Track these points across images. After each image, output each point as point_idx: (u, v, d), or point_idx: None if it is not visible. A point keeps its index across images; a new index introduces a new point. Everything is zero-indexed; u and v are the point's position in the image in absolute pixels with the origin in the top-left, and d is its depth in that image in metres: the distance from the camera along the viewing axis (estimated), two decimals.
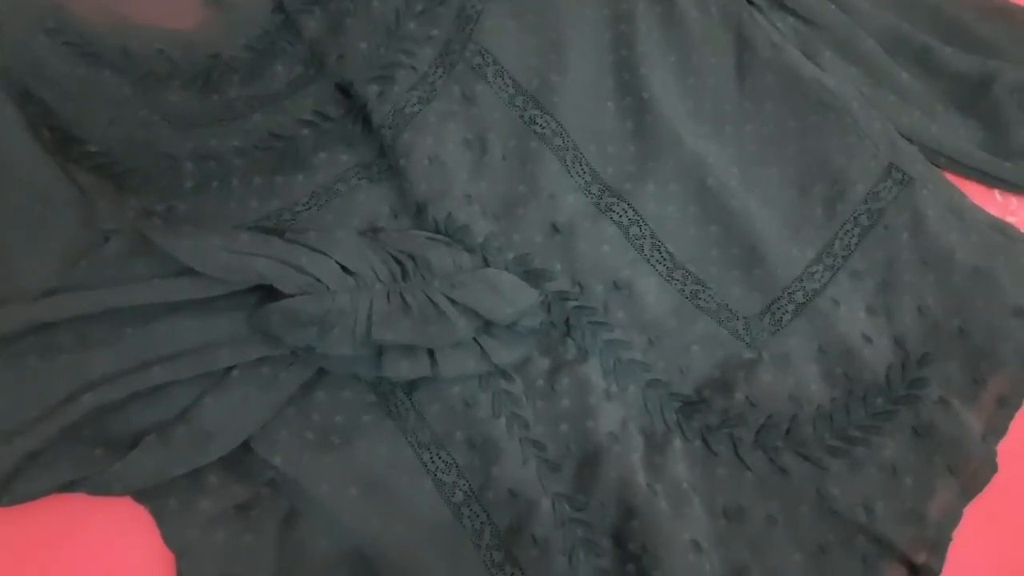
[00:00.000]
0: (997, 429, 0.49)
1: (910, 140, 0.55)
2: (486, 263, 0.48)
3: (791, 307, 0.50)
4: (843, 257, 0.52)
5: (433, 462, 0.45)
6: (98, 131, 0.49)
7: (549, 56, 0.53)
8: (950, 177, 0.55)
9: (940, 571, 0.45)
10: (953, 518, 0.47)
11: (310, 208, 0.50)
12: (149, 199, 0.49)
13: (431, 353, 0.44)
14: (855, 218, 0.52)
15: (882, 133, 0.54)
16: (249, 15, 0.54)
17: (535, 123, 0.52)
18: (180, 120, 0.51)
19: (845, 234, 0.52)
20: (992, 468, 0.48)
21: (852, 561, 0.45)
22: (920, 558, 0.45)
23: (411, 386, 0.46)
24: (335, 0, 0.53)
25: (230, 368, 0.43)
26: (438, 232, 0.49)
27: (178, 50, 0.53)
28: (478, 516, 0.44)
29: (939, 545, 0.46)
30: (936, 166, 0.55)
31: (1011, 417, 0.49)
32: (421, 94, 0.52)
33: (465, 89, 0.52)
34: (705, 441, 0.47)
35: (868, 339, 0.50)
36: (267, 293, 0.44)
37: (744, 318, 0.50)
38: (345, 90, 0.52)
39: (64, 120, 0.49)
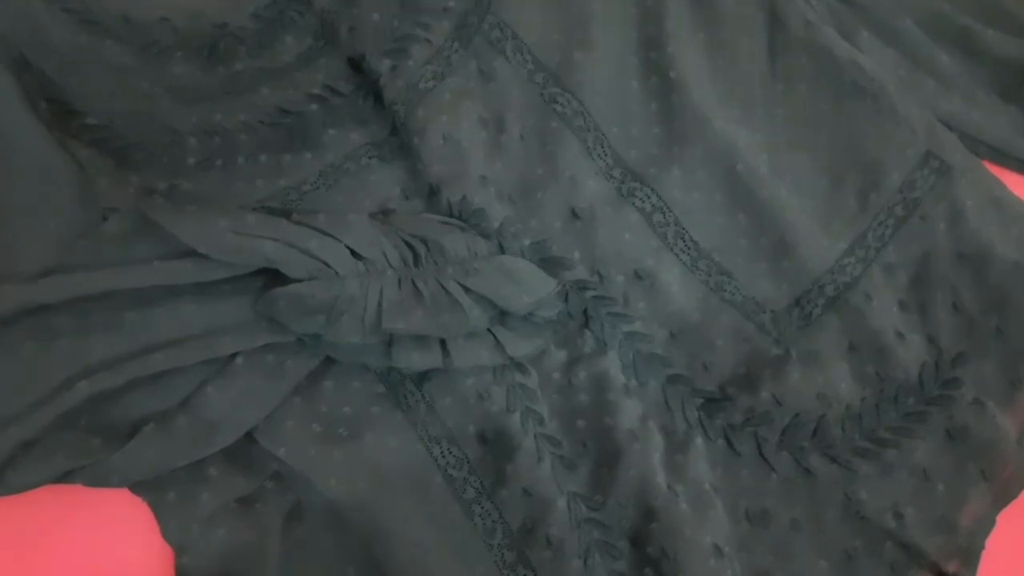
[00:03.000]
0: None
1: (949, 127, 0.53)
2: (502, 249, 0.46)
3: (821, 301, 0.48)
4: (876, 249, 0.49)
5: (444, 457, 0.43)
6: (98, 103, 0.47)
7: (572, 32, 0.51)
8: (990, 167, 0.53)
9: None
10: (986, 526, 0.45)
11: (318, 188, 0.47)
12: (151, 176, 0.46)
13: (443, 343, 0.42)
14: (890, 208, 0.50)
15: (920, 119, 0.51)
16: None
17: (555, 102, 0.49)
18: (184, 93, 0.49)
19: (879, 225, 0.50)
20: None
21: (880, 569, 0.44)
22: (951, 567, 0.43)
23: (422, 377, 0.44)
24: None
25: (234, 355, 0.41)
26: (452, 215, 0.47)
27: (182, 18, 0.50)
28: (490, 514, 0.42)
29: (971, 554, 0.44)
30: (976, 155, 0.53)
31: None
32: (436, 69, 0.49)
33: (482, 64, 0.50)
34: (728, 440, 0.45)
35: (901, 336, 0.48)
36: (273, 277, 0.42)
37: (772, 312, 0.48)
38: (357, 64, 0.50)
39: (63, 91, 0.47)
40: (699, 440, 0.45)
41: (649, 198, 0.48)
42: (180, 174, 0.47)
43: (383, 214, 0.47)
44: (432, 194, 0.47)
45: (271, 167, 0.47)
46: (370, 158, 0.48)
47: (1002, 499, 0.45)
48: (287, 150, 0.48)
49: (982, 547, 0.44)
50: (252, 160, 0.48)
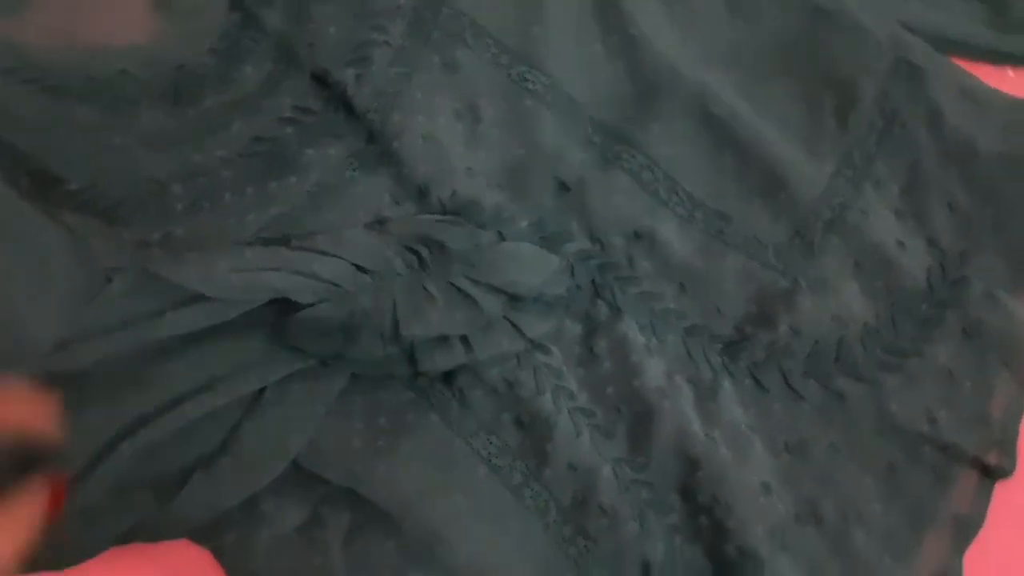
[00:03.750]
0: None
1: (912, 32, 0.53)
2: (501, 236, 0.46)
3: (820, 226, 0.48)
4: (864, 166, 0.50)
5: (485, 448, 0.44)
6: (77, 167, 0.47)
7: (526, 7, 0.51)
8: (959, 63, 0.53)
9: (1013, 470, 0.44)
10: (1016, 413, 0.46)
11: (310, 210, 0.47)
12: (143, 229, 0.46)
13: (464, 339, 0.43)
14: (870, 123, 0.50)
15: (883, 28, 0.52)
16: (206, 18, 0.51)
17: (525, 80, 0.49)
18: (158, 141, 0.48)
19: (862, 142, 0.50)
20: None
21: (923, 475, 0.45)
22: (991, 459, 0.45)
23: (449, 376, 0.44)
24: None
25: (262, 390, 0.42)
26: (445, 212, 0.47)
27: (141, 67, 0.50)
28: (540, 495, 0.43)
29: (1007, 443, 0.45)
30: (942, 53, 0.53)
31: None
32: (401, 70, 0.49)
33: (445, 57, 0.50)
34: (755, 378, 0.46)
35: (902, 245, 0.48)
36: (285, 307, 0.42)
37: (774, 246, 0.48)
38: (322, 79, 0.49)
39: (39, 161, 0.46)
40: (727, 384, 0.46)
41: (635, 157, 0.49)
42: (171, 222, 0.47)
43: (379, 223, 0.47)
44: (422, 195, 0.47)
45: (259, 198, 0.47)
46: (353, 170, 0.48)
47: None
48: (271, 178, 0.48)
49: (1017, 434, 0.45)
50: (239, 194, 0.48)
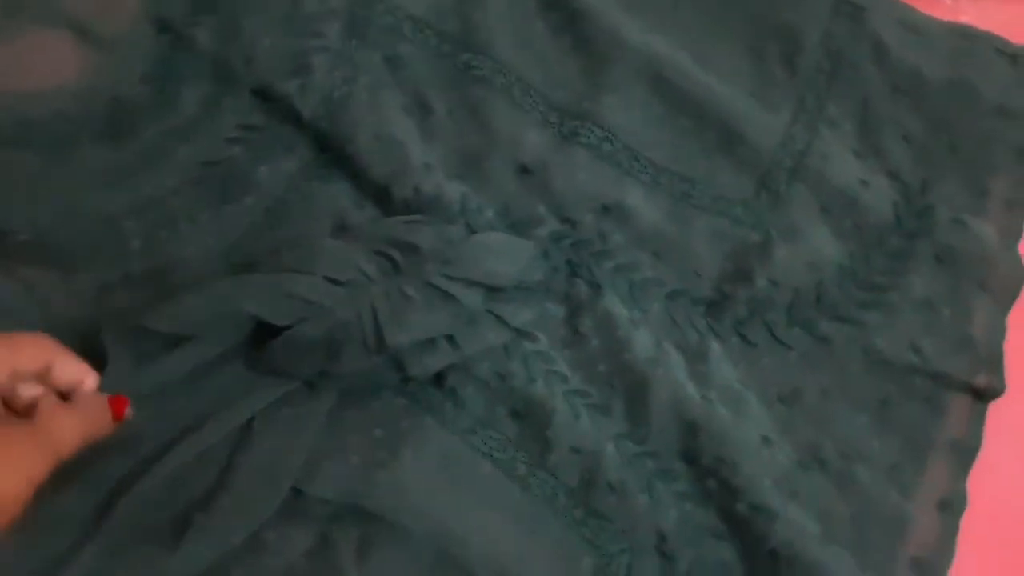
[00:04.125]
0: (1012, 231, 0.49)
1: None
2: (470, 229, 0.45)
3: (783, 176, 0.48)
4: (817, 109, 0.50)
5: (485, 444, 0.43)
6: (22, 216, 0.45)
7: None
8: None
9: (1003, 389, 0.45)
10: (998, 333, 0.46)
11: (270, 228, 0.46)
12: (101, 272, 0.45)
13: (449, 338, 0.42)
14: (817, 66, 0.51)
15: None
16: (133, 46, 0.49)
17: (471, 67, 0.49)
18: (103, 178, 0.47)
19: (812, 85, 0.50)
20: (1019, 271, 0.47)
21: (916, 405, 0.45)
22: (980, 381, 0.45)
23: (439, 377, 0.44)
24: (218, 3, 0.49)
25: (250, 421, 0.41)
26: (409, 210, 0.46)
27: (75, 105, 0.48)
28: (546, 482, 0.43)
29: (993, 363, 0.46)
30: None
31: (1022, 216, 0.49)
32: (344, 74, 0.48)
33: (387, 53, 0.49)
34: (741, 335, 0.46)
35: (865, 183, 0.49)
36: (260, 333, 0.41)
37: (741, 202, 0.48)
38: (264, 93, 0.48)
39: None
40: (714, 344, 0.46)
41: (592, 131, 0.48)
42: (129, 260, 0.45)
43: (343, 230, 0.46)
44: (383, 196, 0.46)
45: (216, 223, 0.46)
46: (310, 181, 0.47)
47: (1004, 303, 0.47)
48: (225, 201, 0.47)
49: (1001, 354, 0.46)
50: (194, 223, 0.46)
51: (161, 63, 0.49)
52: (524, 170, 0.47)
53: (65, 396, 0.36)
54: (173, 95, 0.49)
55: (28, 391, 0.35)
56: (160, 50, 0.49)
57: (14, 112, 0.47)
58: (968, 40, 0.51)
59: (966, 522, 0.44)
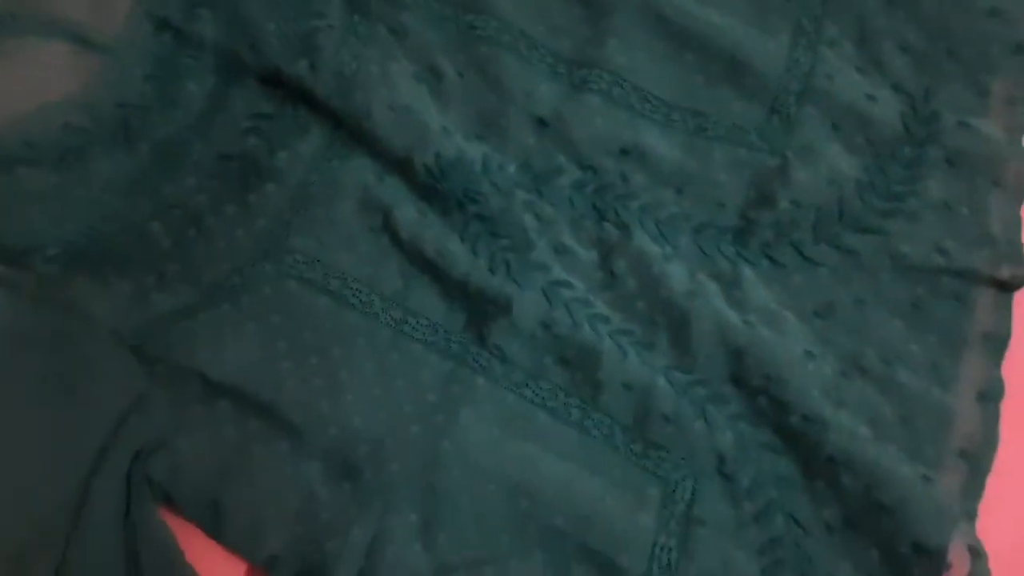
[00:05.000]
0: (1016, 127, 0.50)
1: None
2: (496, 188, 0.46)
3: (792, 99, 0.49)
4: (816, 31, 0.51)
5: (537, 395, 0.44)
6: (47, 232, 0.45)
7: None
8: None
9: None
10: (1015, 225, 0.48)
11: (297, 212, 0.47)
12: (136, 276, 0.45)
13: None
14: None
15: None
16: (133, 48, 0.49)
17: (474, 28, 0.49)
18: (122, 184, 0.47)
19: (807, 8, 0.51)
20: None
21: (946, 303, 0.47)
22: (1004, 274, 0.47)
23: (481, 337, 0.45)
24: None
25: None
26: (432, 176, 0.46)
27: (82, 116, 0.48)
28: (602, 422, 0.44)
29: (1014, 255, 0.47)
30: None
31: None
32: (351, 49, 0.48)
33: (391, 24, 0.49)
34: (770, 258, 0.47)
35: (872, 98, 0.50)
36: None
37: (755, 129, 0.49)
38: (273, 79, 0.48)
39: (11, 237, 0.45)
40: (746, 270, 0.47)
41: (602, 77, 0.49)
42: (161, 261, 0.46)
43: (365, 208, 0.46)
44: (405, 165, 0.47)
45: (242, 214, 0.47)
46: (330, 160, 0.48)
47: (1018, 195, 0.48)
48: (249, 191, 0.47)
49: (1020, 244, 0.47)
50: (221, 216, 0.47)
51: (163, 62, 0.49)
52: (540, 123, 0.48)
53: None
54: (179, 93, 0.48)
55: None
56: (161, 49, 0.49)
57: (21, 130, 0.47)
58: None
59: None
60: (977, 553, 0.42)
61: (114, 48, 0.49)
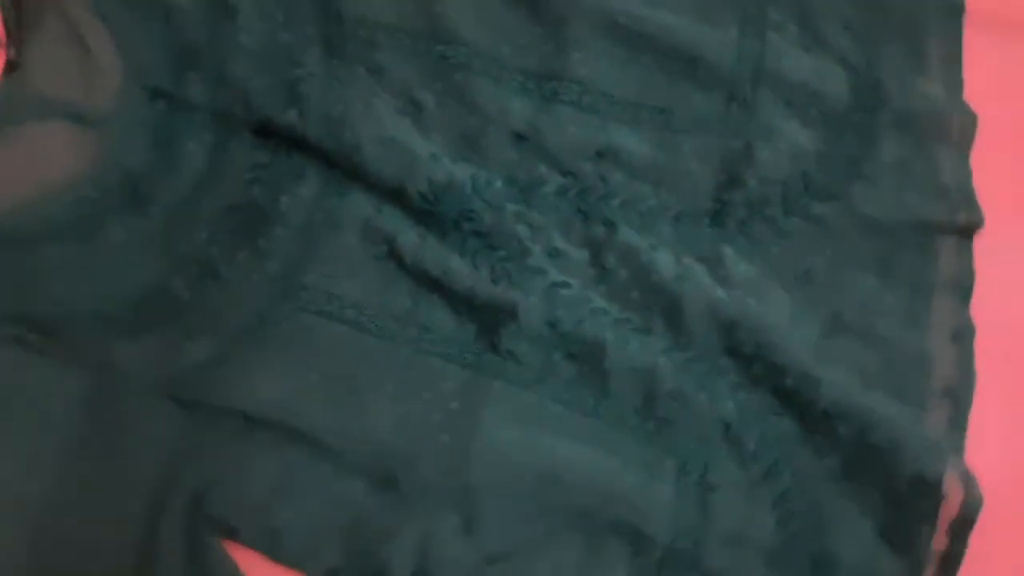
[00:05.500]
0: (954, 83, 0.55)
1: None
2: (487, 204, 0.50)
3: (747, 85, 0.53)
4: (760, 18, 0.55)
5: (549, 391, 0.48)
6: (76, 301, 0.48)
7: None
8: None
9: (982, 221, 0.51)
10: (965, 175, 0.52)
11: (306, 251, 0.50)
12: (163, 331, 0.48)
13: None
14: None
15: None
16: (131, 118, 0.52)
17: (446, 58, 0.52)
18: (139, 246, 0.50)
19: None
20: (971, 117, 0.53)
21: (911, 254, 0.51)
22: (962, 219, 0.51)
23: (492, 344, 0.48)
24: (201, 57, 0.52)
25: None
26: (426, 201, 0.50)
27: (92, 188, 0.50)
28: (614, 407, 0.48)
29: (968, 201, 0.51)
30: None
31: (960, 69, 0.54)
32: (334, 93, 0.51)
33: (367, 64, 0.52)
34: (747, 235, 0.51)
35: (820, 73, 0.54)
36: None
37: (717, 117, 0.53)
38: (265, 130, 0.51)
39: (42, 310, 0.47)
40: (727, 249, 0.50)
41: (569, 88, 0.52)
42: (183, 312, 0.49)
43: (368, 239, 0.50)
44: (399, 194, 0.50)
45: (255, 260, 0.49)
46: (329, 198, 0.51)
47: (964, 148, 0.53)
48: (258, 237, 0.50)
49: (972, 191, 0.51)
50: (233, 264, 0.49)
51: (161, 127, 0.52)
52: (519, 137, 0.51)
53: None
54: (180, 154, 0.51)
55: None
56: (157, 115, 0.52)
57: (37, 210, 0.49)
58: None
59: None
60: (969, 481, 0.46)
61: (112, 121, 0.52)
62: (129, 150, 0.51)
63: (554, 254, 0.50)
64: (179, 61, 0.52)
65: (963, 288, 0.51)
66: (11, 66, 0.53)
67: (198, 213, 0.50)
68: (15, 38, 0.54)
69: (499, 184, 0.51)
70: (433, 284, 0.49)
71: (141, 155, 0.51)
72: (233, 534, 0.44)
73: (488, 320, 0.48)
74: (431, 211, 0.50)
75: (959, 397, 0.49)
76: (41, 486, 0.43)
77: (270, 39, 0.52)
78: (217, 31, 0.52)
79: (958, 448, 0.48)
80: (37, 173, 0.51)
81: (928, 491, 0.45)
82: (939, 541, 0.45)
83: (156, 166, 0.51)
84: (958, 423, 0.48)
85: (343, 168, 0.51)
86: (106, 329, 0.48)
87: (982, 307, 0.51)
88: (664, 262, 0.49)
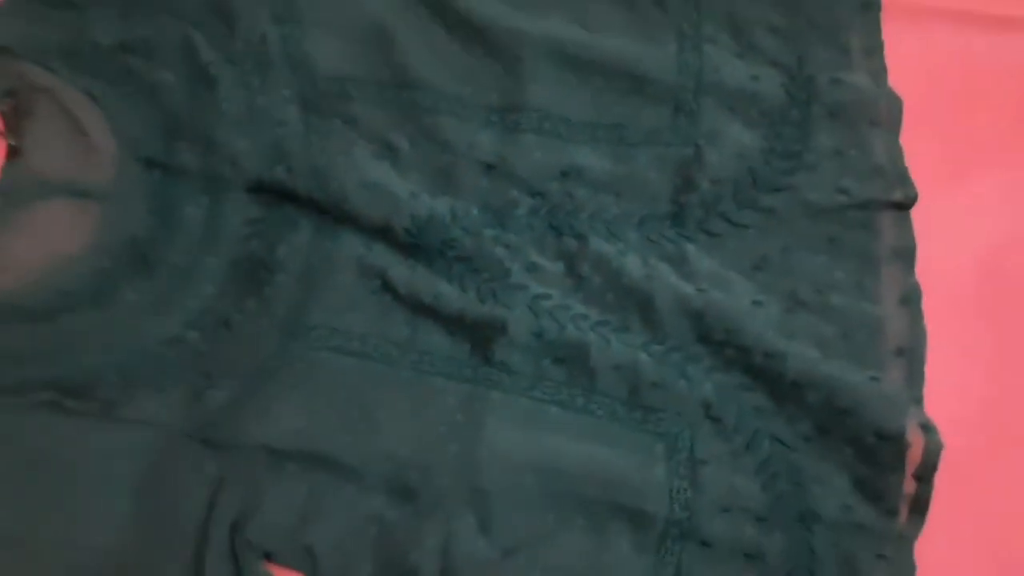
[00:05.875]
0: (878, 71, 0.59)
1: None
2: (466, 231, 0.54)
3: (690, 95, 0.58)
4: (695, 34, 0.60)
5: (545, 393, 0.52)
6: (102, 362, 0.52)
7: (377, 43, 0.58)
8: None
9: (916, 195, 0.56)
10: (898, 155, 0.57)
11: (307, 293, 0.54)
12: (186, 381, 0.52)
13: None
14: None
15: None
16: (129, 189, 0.56)
17: (414, 102, 0.57)
18: (153, 306, 0.54)
19: (684, 15, 0.60)
20: (897, 101, 0.58)
21: (857, 232, 0.55)
22: (898, 196, 0.56)
23: (486, 358, 0.53)
24: (188, 127, 0.56)
25: None
26: (411, 235, 0.54)
27: (101, 257, 0.54)
28: (603, 403, 0.52)
29: (902, 178, 0.56)
30: None
31: (883, 58, 0.60)
32: (317, 146, 0.56)
33: (340, 115, 0.57)
34: (705, 231, 0.56)
35: (755, 77, 0.58)
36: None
37: (666, 128, 0.58)
38: (256, 187, 0.56)
39: (71, 374, 0.52)
40: (688, 246, 0.55)
41: (530, 117, 0.57)
42: (202, 363, 0.53)
43: (363, 275, 0.54)
44: (386, 231, 0.54)
45: (262, 307, 0.54)
46: (323, 242, 0.55)
47: (893, 129, 0.57)
48: (263, 285, 0.54)
49: (905, 169, 0.56)
50: (243, 312, 0.54)
51: (158, 195, 0.56)
52: (488, 167, 0.56)
53: None
54: (180, 218, 0.56)
55: None
56: (153, 184, 0.56)
57: (51, 283, 0.53)
58: None
59: None
60: (928, 429, 0.51)
61: (112, 193, 0.56)
62: (131, 219, 0.56)
63: (532, 269, 0.55)
64: (168, 132, 0.56)
65: (906, 256, 0.55)
66: (12, 152, 0.58)
67: (203, 269, 0.55)
68: (13, 126, 0.58)
69: (475, 212, 0.55)
70: (427, 310, 0.54)
71: (143, 222, 0.56)
72: (271, 557, 0.48)
73: (480, 337, 0.53)
74: (417, 244, 0.54)
75: (913, 354, 0.53)
76: (104, 538, 0.48)
77: (250, 103, 0.57)
78: (200, 101, 0.56)
79: (917, 400, 0.52)
80: (48, 248, 0.56)
81: (893, 443, 0.50)
82: (908, 486, 0.50)
83: (158, 231, 0.56)
84: (915, 378, 0.53)
85: (332, 214, 0.55)
86: (133, 385, 0.52)
87: (925, 270, 0.55)
88: (633, 265, 0.54)
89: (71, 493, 0.48)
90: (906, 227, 0.56)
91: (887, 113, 0.58)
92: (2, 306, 0.53)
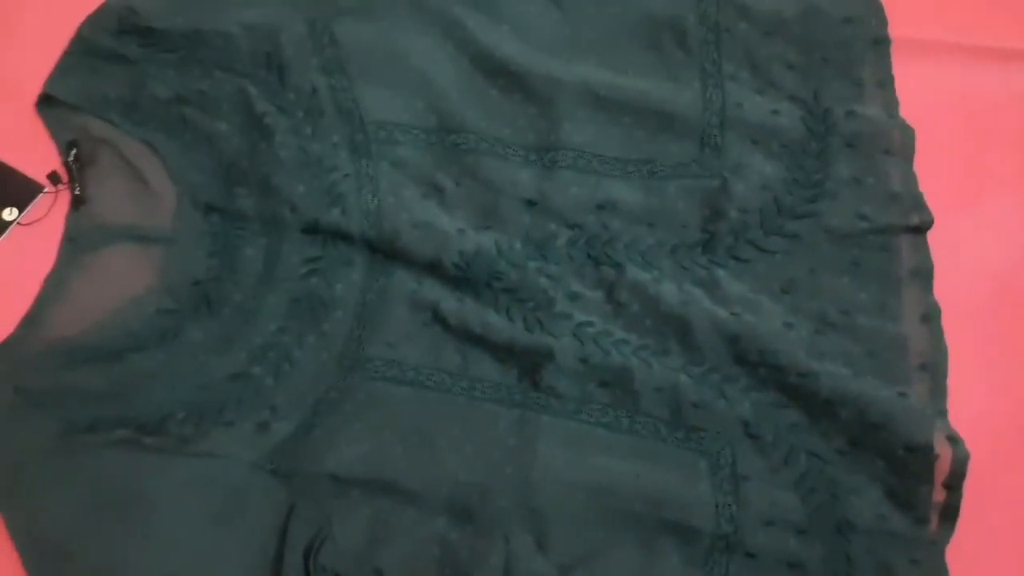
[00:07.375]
0: (890, 103, 0.63)
1: None
2: (511, 264, 0.58)
3: (716, 130, 0.62)
4: (717, 73, 0.63)
5: (591, 416, 0.55)
6: (172, 400, 0.55)
7: (416, 86, 0.62)
8: None
9: (932, 220, 0.59)
10: (912, 180, 0.60)
11: (364, 327, 0.57)
12: (253, 416, 0.55)
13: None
14: (703, 39, 0.64)
15: None
16: (191, 234, 0.59)
17: (458, 144, 0.61)
18: (218, 345, 0.57)
19: (706, 56, 0.64)
20: (910, 131, 0.61)
21: (877, 255, 0.59)
22: (915, 220, 0.59)
23: (535, 384, 0.56)
24: (246, 173, 0.60)
25: None
26: (459, 269, 0.58)
27: (166, 299, 0.58)
28: (647, 424, 0.55)
29: (918, 203, 0.59)
30: None
31: (894, 90, 0.63)
32: (368, 189, 0.59)
33: (390, 158, 0.60)
34: (735, 258, 0.59)
35: (776, 112, 0.62)
36: None
37: (693, 161, 0.61)
38: (312, 228, 0.59)
39: (143, 413, 0.54)
40: (720, 272, 0.59)
41: (566, 155, 0.61)
42: (269, 397, 0.56)
43: (415, 309, 0.57)
44: (436, 267, 0.58)
45: (322, 341, 0.57)
46: (377, 279, 0.59)
47: (907, 156, 0.61)
48: (322, 321, 0.58)
49: (920, 194, 0.60)
50: (304, 347, 0.57)
51: (219, 238, 0.60)
52: (529, 203, 0.60)
53: None
54: (240, 260, 0.59)
55: None
56: (213, 228, 0.60)
57: (119, 325, 0.57)
58: None
59: None
60: (955, 440, 0.54)
61: (173, 237, 0.60)
62: (193, 261, 0.59)
63: (574, 298, 0.58)
64: (226, 179, 0.60)
65: (925, 276, 0.59)
66: (77, 201, 0.61)
67: (264, 308, 0.58)
68: (76, 177, 0.61)
69: (518, 245, 0.59)
70: (477, 339, 0.57)
71: (204, 264, 0.59)
72: None
73: (528, 364, 0.56)
74: (465, 277, 0.57)
75: (936, 369, 0.56)
76: (186, 567, 0.50)
77: (304, 150, 0.60)
78: (257, 149, 0.60)
79: (942, 412, 0.55)
80: (114, 292, 0.59)
81: (922, 454, 0.53)
82: (938, 494, 0.53)
83: (219, 272, 0.59)
84: (938, 392, 0.56)
85: (385, 252, 0.59)
86: (202, 420, 0.55)
87: (943, 289, 0.59)
88: (669, 292, 0.57)
89: (154, 524, 0.51)
90: (923, 249, 0.59)
91: (901, 142, 0.61)
92: (74, 348, 0.56)
